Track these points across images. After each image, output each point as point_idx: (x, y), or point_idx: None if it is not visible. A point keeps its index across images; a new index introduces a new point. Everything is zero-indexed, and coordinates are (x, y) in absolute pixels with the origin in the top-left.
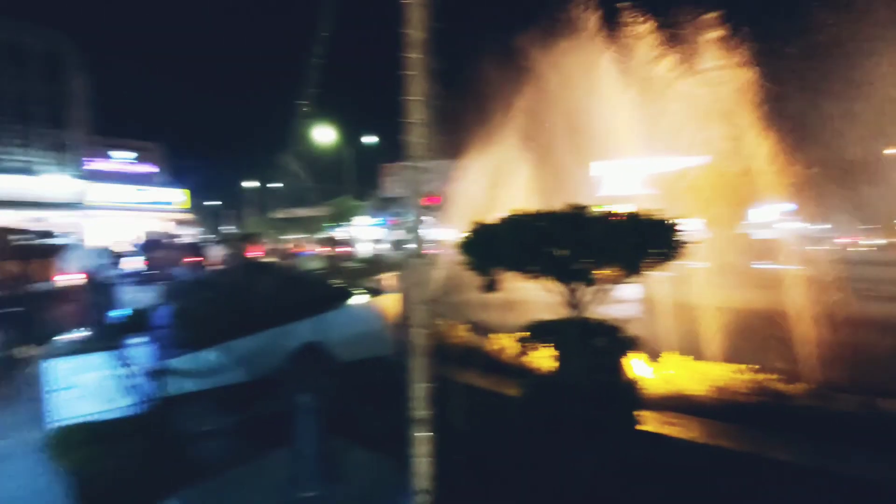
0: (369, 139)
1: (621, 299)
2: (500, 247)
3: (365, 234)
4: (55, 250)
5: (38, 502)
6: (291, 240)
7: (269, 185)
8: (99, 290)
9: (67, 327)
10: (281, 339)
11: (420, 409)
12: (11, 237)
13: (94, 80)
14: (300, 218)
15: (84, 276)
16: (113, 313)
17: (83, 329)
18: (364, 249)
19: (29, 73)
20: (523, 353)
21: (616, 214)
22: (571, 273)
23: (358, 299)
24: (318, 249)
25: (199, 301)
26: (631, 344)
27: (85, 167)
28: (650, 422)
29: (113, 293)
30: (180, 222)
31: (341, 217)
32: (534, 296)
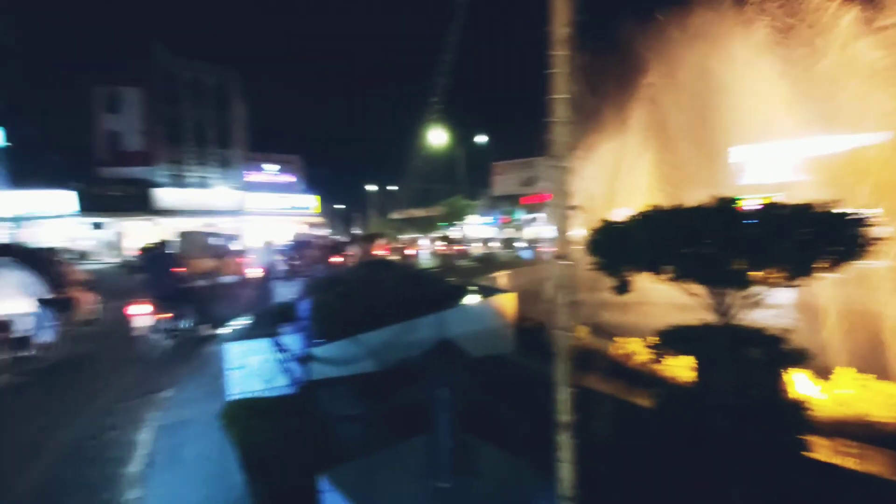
0: (481, 138)
1: (778, 304)
2: (633, 246)
3: (477, 232)
4: (240, 250)
5: (210, 464)
6: (408, 239)
7: (388, 188)
8: (267, 283)
9: (240, 313)
10: (409, 333)
11: (564, 412)
12: (211, 240)
13: (251, 105)
14: (416, 218)
15: (262, 270)
16: (274, 303)
17: (251, 316)
18: (476, 248)
19: (202, 103)
20: (656, 360)
21: (776, 206)
22: (720, 275)
23: (477, 297)
24: (434, 248)
25: (336, 295)
26: (794, 357)
27: (243, 179)
28: (820, 449)
29: (275, 286)
30: (312, 225)
31: (454, 216)
32: (666, 298)
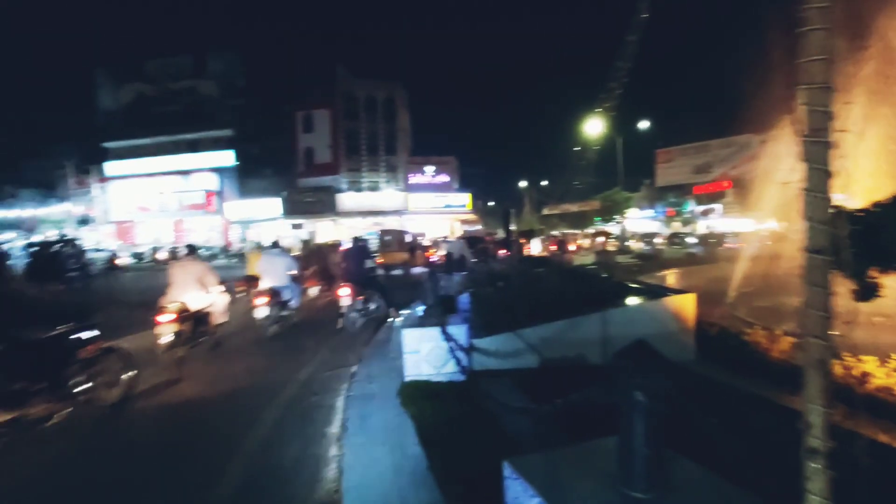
0: (642, 124)
1: None
2: (887, 240)
3: (637, 227)
4: (428, 245)
5: (393, 434)
6: (562, 235)
7: (542, 183)
8: (447, 274)
9: (420, 301)
10: (578, 330)
11: (816, 437)
12: (406, 236)
13: (414, 112)
14: (570, 213)
15: (443, 262)
16: (446, 294)
17: (426, 304)
18: (636, 244)
19: (374, 116)
20: None
21: None
22: None
23: (645, 296)
24: (590, 244)
25: (497, 289)
26: None
27: (406, 182)
28: None
29: (453, 278)
30: (465, 222)
31: (611, 210)
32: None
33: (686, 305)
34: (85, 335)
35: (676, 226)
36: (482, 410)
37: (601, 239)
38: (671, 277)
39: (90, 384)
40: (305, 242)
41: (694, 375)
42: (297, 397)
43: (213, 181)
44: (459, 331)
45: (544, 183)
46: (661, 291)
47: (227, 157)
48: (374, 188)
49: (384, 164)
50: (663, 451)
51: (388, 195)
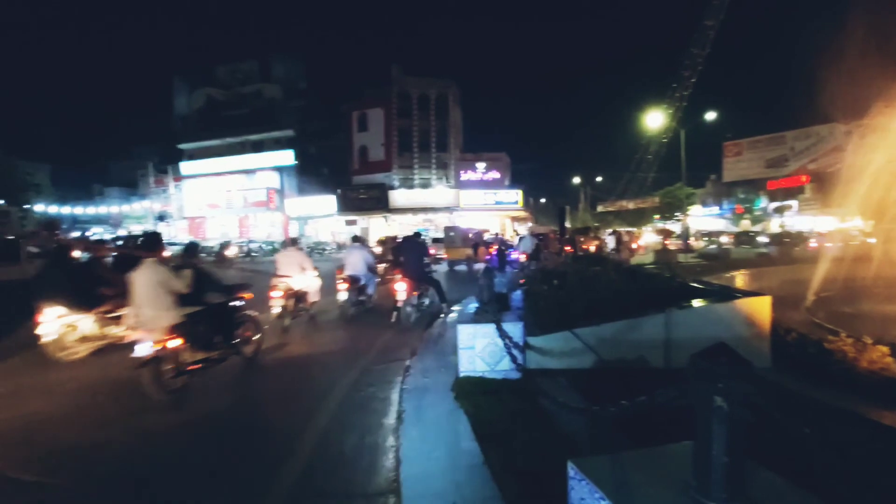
0: (707, 116)
1: None
2: None
3: (701, 224)
4: (490, 241)
5: (448, 428)
6: (618, 233)
7: (597, 179)
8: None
9: (473, 298)
10: (639, 331)
11: None
12: (469, 233)
13: (466, 109)
14: (627, 210)
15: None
16: (503, 290)
17: (483, 300)
18: (700, 243)
19: (426, 114)
20: None
21: None
22: None
23: (712, 298)
24: (651, 242)
25: (553, 288)
26: None
27: (458, 179)
28: None
29: (511, 274)
30: (516, 219)
31: (673, 207)
32: None
33: (759, 309)
34: (237, 304)
35: (746, 224)
36: (538, 408)
37: (661, 237)
38: (741, 279)
39: (239, 340)
40: (385, 239)
41: (769, 384)
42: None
43: (274, 180)
44: (514, 328)
45: (599, 179)
46: (730, 293)
47: (288, 157)
48: (425, 185)
49: (435, 161)
50: (742, 459)
51: (439, 192)
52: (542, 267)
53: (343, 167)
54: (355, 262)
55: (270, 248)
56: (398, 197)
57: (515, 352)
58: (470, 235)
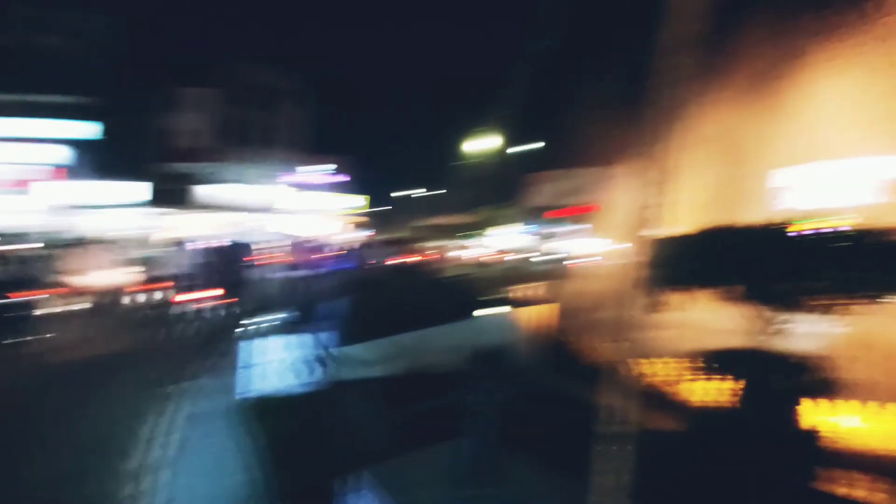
0: (524, 147)
1: (823, 332)
2: (694, 261)
3: (510, 242)
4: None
5: (225, 457)
6: (440, 245)
7: (433, 192)
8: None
9: (290, 306)
10: (438, 338)
11: (612, 423)
12: (308, 239)
13: (309, 107)
14: (452, 224)
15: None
16: (318, 300)
17: (296, 309)
18: (508, 258)
19: (259, 104)
20: (693, 382)
21: (854, 229)
22: (776, 296)
23: (504, 308)
24: (466, 255)
25: (366, 297)
26: (831, 386)
27: (290, 178)
28: (833, 481)
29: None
30: (357, 225)
31: (489, 224)
32: (709, 319)
33: (540, 316)
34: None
35: (543, 243)
36: (336, 421)
37: (473, 252)
38: (533, 290)
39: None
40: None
41: (544, 378)
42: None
43: (62, 155)
44: (322, 338)
45: (424, 192)
46: (521, 303)
47: (83, 129)
48: (256, 181)
49: (271, 156)
50: (500, 450)
51: (271, 190)
52: (363, 275)
53: (156, 152)
54: (176, 262)
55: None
56: (211, 192)
57: (321, 363)
58: (301, 241)
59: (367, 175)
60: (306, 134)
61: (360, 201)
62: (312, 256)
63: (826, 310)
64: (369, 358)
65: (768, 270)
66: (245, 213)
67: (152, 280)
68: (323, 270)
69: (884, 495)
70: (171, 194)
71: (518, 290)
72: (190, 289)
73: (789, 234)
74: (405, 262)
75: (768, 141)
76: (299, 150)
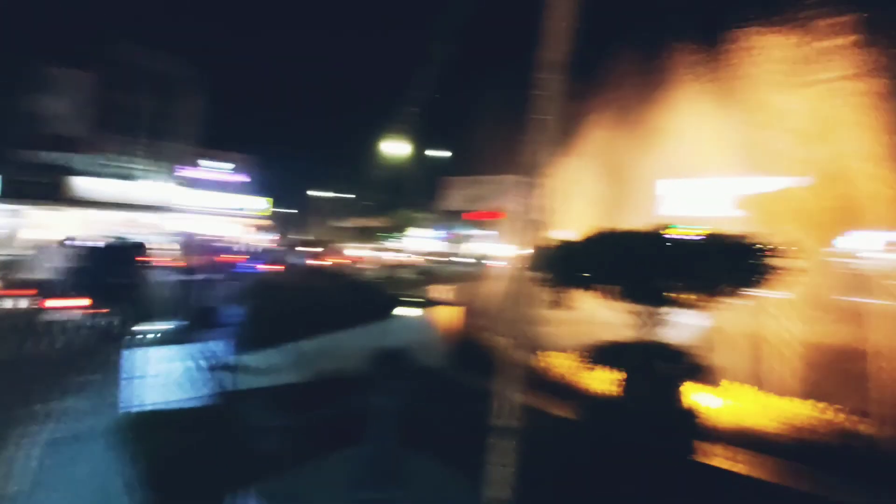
0: (436, 152)
1: (694, 325)
2: (577, 264)
3: (425, 245)
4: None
5: (104, 483)
6: (352, 248)
7: (340, 195)
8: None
9: (176, 313)
10: (346, 342)
11: (501, 418)
12: (208, 240)
13: (208, 102)
14: (366, 227)
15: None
16: (213, 305)
17: (185, 317)
18: (423, 261)
19: (149, 93)
20: (584, 373)
21: (710, 235)
22: (649, 294)
23: (419, 309)
24: (380, 258)
25: (272, 301)
26: (698, 371)
27: (186, 175)
28: (709, 454)
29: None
30: (260, 228)
31: (403, 228)
32: (598, 315)
33: (450, 316)
34: None
35: (458, 246)
36: (241, 435)
37: (388, 255)
38: (447, 292)
39: None
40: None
41: (450, 377)
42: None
43: None
44: (219, 347)
45: (335, 194)
46: (432, 304)
47: None
48: (146, 177)
49: (164, 151)
50: (401, 450)
51: (164, 187)
52: (267, 279)
53: (18, 138)
54: (46, 264)
55: None
56: (104, 186)
57: (218, 373)
58: (199, 242)
59: (271, 176)
60: (203, 129)
61: (262, 203)
62: (210, 259)
63: (695, 304)
64: (270, 366)
65: (646, 271)
66: (135, 211)
67: (16, 285)
68: (222, 273)
69: (749, 463)
70: (37, 187)
71: (432, 292)
72: (63, 294)
73: (663, 239)
74: (317, 265)
75: (650, 157)
76: (195, 146)
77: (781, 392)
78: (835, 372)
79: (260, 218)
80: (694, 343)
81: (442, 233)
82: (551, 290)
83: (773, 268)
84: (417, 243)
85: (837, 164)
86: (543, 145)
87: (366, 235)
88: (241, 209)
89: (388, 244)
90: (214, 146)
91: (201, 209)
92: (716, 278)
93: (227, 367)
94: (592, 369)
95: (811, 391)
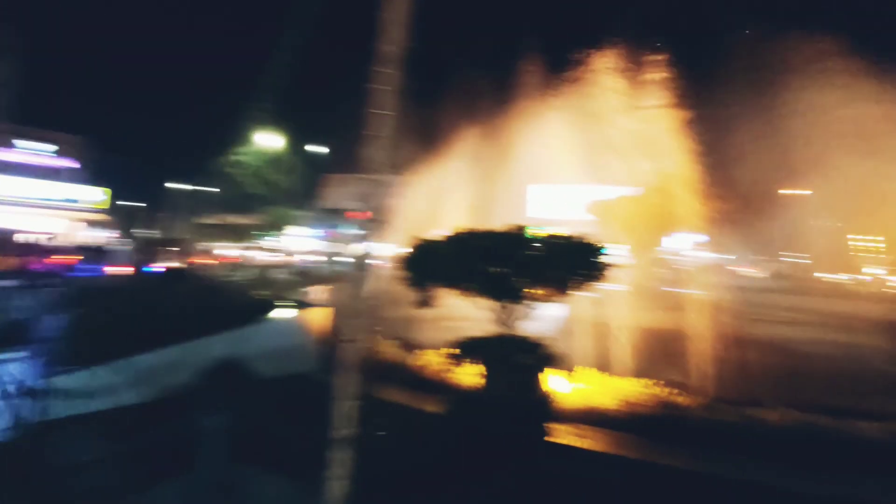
0: (313, 148)
1: (548, 317)
2: (439, 263)
3: (301, 245)
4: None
5: None
6: (221, 248)
7: (201, 189)
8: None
9: None
10: (193, 354)
11: (342, 427)
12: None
13: (23, 67)
14: (234, 225)
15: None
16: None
17: None
18: (298, 261)
19: None
20: (450, 369)
21: (553, 236)
22: (505, 291)
23: (284, 312)
24: (251, 258)
25: (102, 310)
26: (552, 360)
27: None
28: (561, 434)
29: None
30: (94, 223)
31: (277, 226)
32: (466, 312)
33: (321, 319)
34: None
35: (338, 246)
36: (36, 476)
37: (261, 255)
38: (322, 293)
39: None
40: None
41: (314, 384)
42: None
43: None
44: (23, 368)
45: (212, 189)
46: (302, 306)
47: None
48: None
49: None
50: (238, 470)
51: None
52: (101, 284)
53: None
54: None
55: None
56: None
57: (26, 400)
58: (18, 239)
59: (111, 163)
60: (19, 103)
61: (97, 194)
62: (26, 260)
63: (547, 299)
64: (92, 387)
65: (502, 269)
66: None
67: None
68: (43, 278)
69: (593, 438)
70: None
71: (308, 294)
72: None
73: (518, 239)
74: (173, 267)
75: (515, 163)
76: (8, 123)
77: (622, 373)
78: (661, 352)
79: (94, 212)
80: (548, 334)
81: (322, 232)
82: (415, 289)
83: (610, 265)
84: (296, 242)
85: (660, 177)
86: (383, 142)
87: (237, 234)
88: (70, 200)
89: (264, 243)
90: (36, 124)
91: (14, 200)
92: (562, 275)
93: (31, 393)
94: (458, 364)
95: (644, 370)
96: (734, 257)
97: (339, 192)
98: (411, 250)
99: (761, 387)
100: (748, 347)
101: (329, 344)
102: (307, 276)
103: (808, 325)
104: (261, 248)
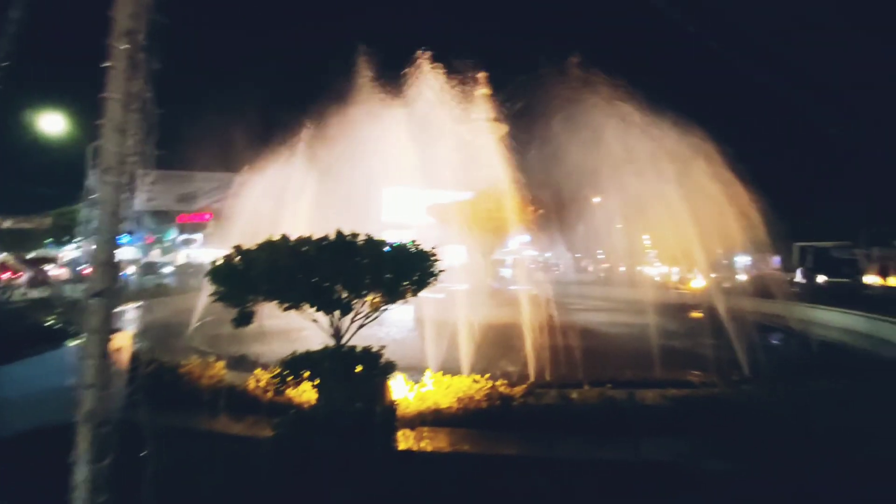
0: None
1: (386, 323)
2: (255, 274)
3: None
4: None
5: None
6: None
7: None
8: None
9: None
10: None
11: (89, 498)
12: None
13: None
14: (9, 230)
15: None
16: None
17: None
18: (106, 274)
19: None
20: (280, 389)
21: (378, 244)
22: (332, 302)
23: (69, 340)
24: (30, 271)
25: None
26: (390, 368)
27: None
28: (407, 440)
29: None
30: None
31: (70, 231)
32: (298, 325)
33: (119, 346)
34: None
35: (155, 254)
36: None
37: (42, 267)
38: (131, 312)
39: None
40: None
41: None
42: None
43: None
44: None
45: None
46: (105, 331)
47: None
48: None
49: None
50: None
51: None
52: None
53: None
54: None
55: None
56: None
57: None
58: None
59: None
60: None
61: None
62: None
63: (382, 306)
64: None
65: (329, 278)
66: None
67: None
68: None
69: (434, 439)
70: None
71: (112, 314)
72: None
73: (349, 246)
74: None
75: (358, 167)
76: None
77: (459, 370)
78: (495, 345)
79: None
80: (385, 340)
81: (136, 238)
82: (231, 305)
83: (441, 270)
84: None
85: (496, 185)
86: (121, 130)
87: (13, 240)
88: None
89: (52, 253)
90: None
91: None
92: (392, 283)
93: None
94: (291, 384)
95: (480, 365)
96: (550, 255)
97: (160, 191)
98: (222, 261)
99: (572, 368)
100: (564, 334)
101: (134, 374)
102: (113, 292)
103: (609, 310)
104: (50, 260)
